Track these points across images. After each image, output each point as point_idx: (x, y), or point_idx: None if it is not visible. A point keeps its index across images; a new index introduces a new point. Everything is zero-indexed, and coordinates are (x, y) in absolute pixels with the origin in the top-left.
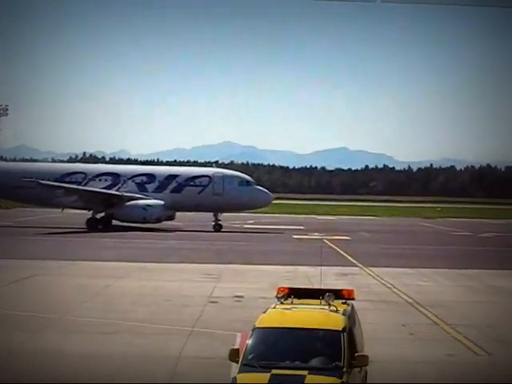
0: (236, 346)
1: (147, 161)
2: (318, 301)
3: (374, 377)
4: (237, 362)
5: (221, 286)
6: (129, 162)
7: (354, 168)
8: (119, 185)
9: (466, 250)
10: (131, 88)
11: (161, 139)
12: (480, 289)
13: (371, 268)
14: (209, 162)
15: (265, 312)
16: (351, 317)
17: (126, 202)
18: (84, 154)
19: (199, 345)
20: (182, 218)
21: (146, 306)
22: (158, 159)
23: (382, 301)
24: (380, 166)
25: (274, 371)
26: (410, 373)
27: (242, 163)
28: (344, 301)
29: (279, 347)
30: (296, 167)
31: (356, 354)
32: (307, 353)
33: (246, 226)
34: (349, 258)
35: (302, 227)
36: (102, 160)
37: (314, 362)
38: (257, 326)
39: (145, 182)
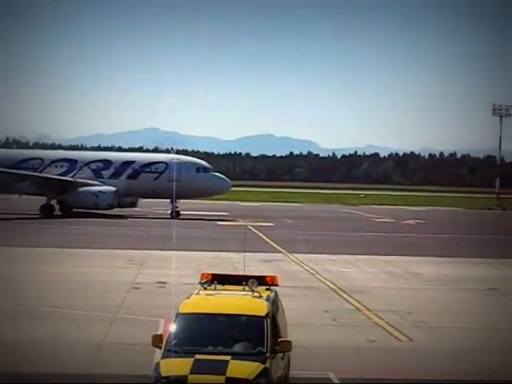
0: (159, 332)
1: (104, 147)
2: (241, 287)
3: (298, 362)
4: (160, 348)
5: (144, 272)
6: (92, 148)
7: (278, 154)
8: (75, 171)
9: (389, 237)
10: (53, 73)
11: (81, 124)
12: (402, 275)
13: (295, 254)
14: (133, 148)
15: (188, 298)
16: (274, 303)
17: (78, 188)
18: (7, 138)
19: (122, 331)
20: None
21: (68, 292)
22: (81, 145)
23: (306, 287)
24: (305, 152)
25: (198, 356)
26: (332, 358)
27: (167, 149)
28: (267, 287)
29: (203, 333)
30: (221, 153)
31: (279, 340)
32: (231, 338)
33: (168, 211)
34: (273, 244)
35: (226, 213)
36: (26, 144)
37: (238, 348)
38: (180, 311)
39: (101, 169)
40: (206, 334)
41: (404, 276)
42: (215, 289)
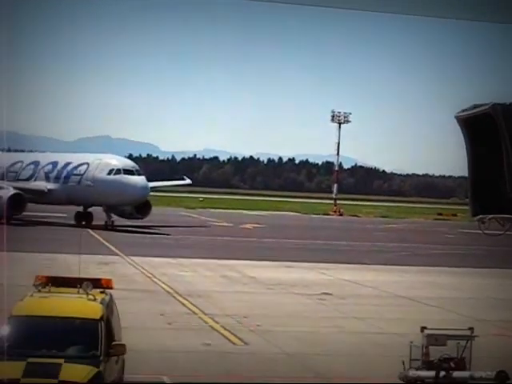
0: None
1: None
2: (76, 289)
3: (132, 366)
4: None
5: None
6: None
7: None
8: (36, 174)
9: (227, 241)
10: None
11: None
12: (238, 279)
13: (132, 257)
14: None
15: (22, 300)
16: (109, 306)
17: None
18: None
19: None
20: None
21: None
22: None
23: (142, 290)
24: (144, 155)
25: (30, 359)
26: (167, 362)
27: (3, 149)
28: (102, 290)
29: (36, 335)
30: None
31: (113, 343)
32: (64, 341)
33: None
34: (110, 246)
35: (64, 215)
36: None
37: (71, 351)
38: (13, 313)
39: (49, 171)
40: (40, 337)
41: (240, 280)
42: (49, 291)
